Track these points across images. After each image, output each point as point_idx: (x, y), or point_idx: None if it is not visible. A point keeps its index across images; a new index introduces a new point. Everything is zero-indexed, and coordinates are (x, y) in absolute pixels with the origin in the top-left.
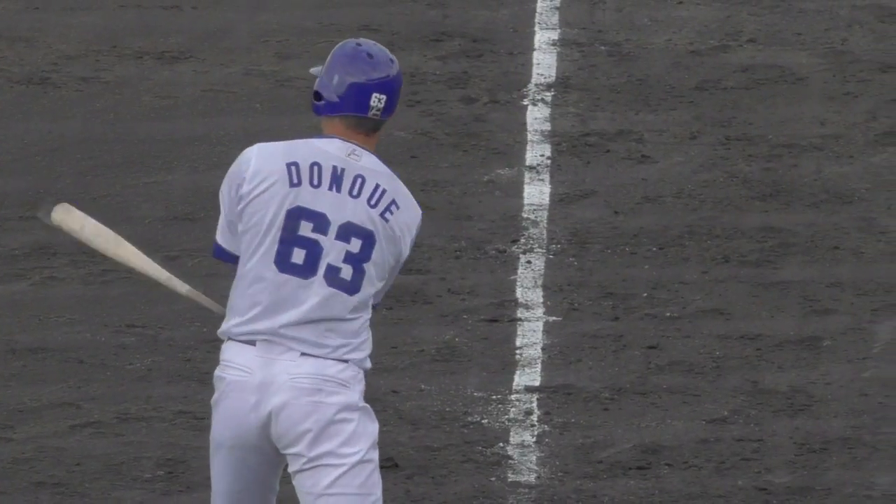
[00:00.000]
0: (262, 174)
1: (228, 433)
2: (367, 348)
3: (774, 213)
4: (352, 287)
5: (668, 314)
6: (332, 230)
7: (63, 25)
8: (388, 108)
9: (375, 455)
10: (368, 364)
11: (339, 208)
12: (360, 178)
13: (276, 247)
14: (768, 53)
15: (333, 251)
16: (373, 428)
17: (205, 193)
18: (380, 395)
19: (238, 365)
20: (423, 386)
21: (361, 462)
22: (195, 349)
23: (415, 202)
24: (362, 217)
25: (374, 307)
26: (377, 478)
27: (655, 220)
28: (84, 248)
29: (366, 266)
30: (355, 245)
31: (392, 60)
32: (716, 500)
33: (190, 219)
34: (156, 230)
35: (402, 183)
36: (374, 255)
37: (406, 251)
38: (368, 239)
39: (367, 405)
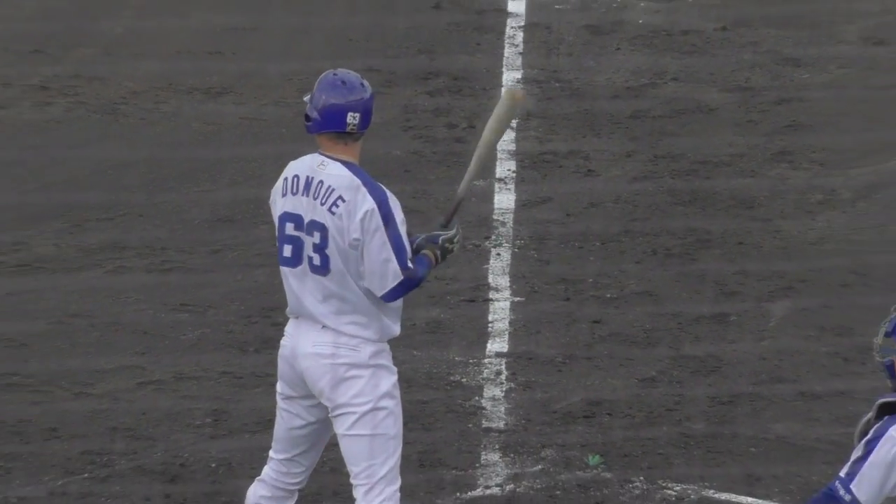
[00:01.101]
0: (274, 191)
1: (281, 387)
2: (377, 324)
3: (693, 217)
4: (322, 269)
5: (608, 296)
6: (305, 227)
7: (130, 68)
8: (364, 123)
9: (390, 403)
10: (373, 336)
11: (308, 209)
12: (322, 184)
13: (277, 244)
14: (687, 89)
15: (307, 244)
16: (387, 381)
17: (242, 200)
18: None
19: (287, 333)
20: (415, 352)
21: (373, 409)
22: (235, 323)
23: (368, 197)
24: (319, 214)
25: (385, 299)
26: (391, 421)
27: (599, 221)
28: (147, 243)
29: (327, 251)
30: (317, 237)
31: (363, 85)
32: (646, 442)
33: (230, 220)
34: (203, 229)
35: (361, 183)
36: (330, 242)
37: (357, 233)
38: (323, 230)
39: (384, 363)
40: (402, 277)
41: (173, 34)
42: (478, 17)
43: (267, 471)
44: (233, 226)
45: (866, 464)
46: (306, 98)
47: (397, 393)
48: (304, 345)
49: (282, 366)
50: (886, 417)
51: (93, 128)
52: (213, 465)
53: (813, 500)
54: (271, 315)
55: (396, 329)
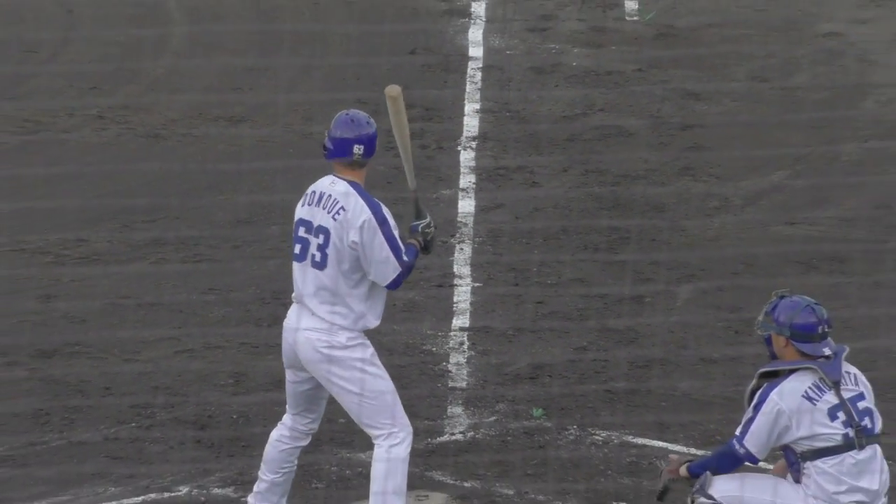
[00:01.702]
0: (298, 204)
1: (284, 359)
2: (355, 318)
3: (616, 218)
4: (321, 265)
5: (549, 282)
6: (313, 230)
7: (169, 101)
8: (368, 153)
9: (371, 367)
10: (355, 326)
11: (318, 217)
12: (330, 197)
13: (292, 244)
14: (612, 117)
15: (312, 244)
16: (363, 352)
17: (258, 206)
18: (370, 333)
19: (288, 315)
20: (395, 327)
21: (360, 377)
22: (252, 303)
23: (366, 208)
24: (325, 221)
25: (388, 287)
26: (378, 381)
27: (542, 222)
28: (182, 240)
29: (327, 251)
30: (321, 239)
31: (369, 122)
32: (579, 397)
33: (248, 222)
34: (227, 229)
35: (360, 197)
36: (331, 243)
37: (357, 237)
38: (326, 234)
39: (359, 342)
40: (400, 269)
41: (203, 73)
42: (445, 60)
43: (285, 418)
44: (250, 226)
45: (754, 423)
46: (328, 132)
47: (377, 360)
48: (299, 331)
49: (285, 344)
50: (766, 384)
51: (139, 148)
52: (235, 416)
53: (714, 454)
54: (281, 297)
55: (374, 323)
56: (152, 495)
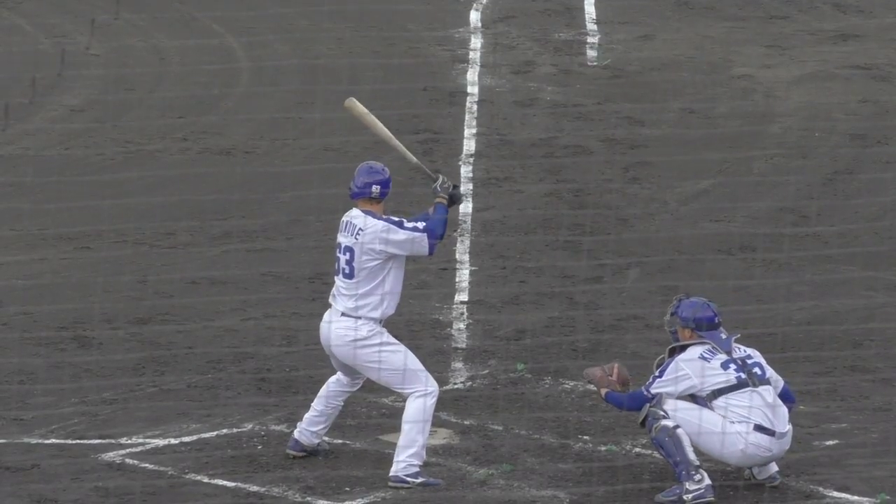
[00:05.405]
0: None
1: (323, 346)
2: (372, 309)
3: (581, 217)
4: (349, 276)
5: (528, 266)
6: (342, 250)
7: (237, 126)
8: (382, 192)
9: (388, 346)
10: (375, 315)
11: (345, 239)
12: (351, 223)
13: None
14: (577, 139)
15: (342, 260)
16: (380, 337)
17: (304, 207)
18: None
19: (324, 317)
20: (411, 301)
21: (378, 358)
22: (300, 282)
23: (380, 223)
24: (349, 241)
25: (430, 253)
26: (396, 356)
27: (523, 219)
28: (247, 233)
29: (353, 264)
30: (348, 255)
31: (384, 169)
32: (552, 354)
33: (298, 220)
34: (282, 224)
35: (372, 218)
36: (355, 258)
37: (380, 246)
38: (351, 251)
39: (374, 330)
40: (425, 239)
41: (265, 105)
42: (449, 95)
43: (338, 374)
44: (299, 223)
45: (661, 377)
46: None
47: (392, 339)
48: (330, 324)
49: (321, 338)
50: (675, 354)
51: (213, 163)
52: (287, 369)
53: (627, 395)
54: (322, 278)
55: (392, 311)
56: (224, 430)
